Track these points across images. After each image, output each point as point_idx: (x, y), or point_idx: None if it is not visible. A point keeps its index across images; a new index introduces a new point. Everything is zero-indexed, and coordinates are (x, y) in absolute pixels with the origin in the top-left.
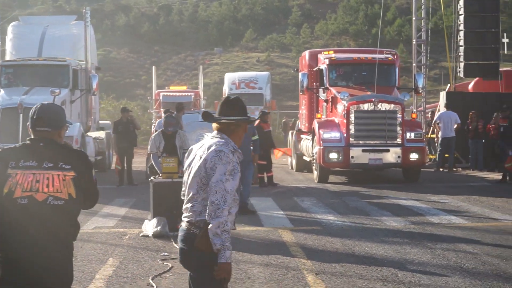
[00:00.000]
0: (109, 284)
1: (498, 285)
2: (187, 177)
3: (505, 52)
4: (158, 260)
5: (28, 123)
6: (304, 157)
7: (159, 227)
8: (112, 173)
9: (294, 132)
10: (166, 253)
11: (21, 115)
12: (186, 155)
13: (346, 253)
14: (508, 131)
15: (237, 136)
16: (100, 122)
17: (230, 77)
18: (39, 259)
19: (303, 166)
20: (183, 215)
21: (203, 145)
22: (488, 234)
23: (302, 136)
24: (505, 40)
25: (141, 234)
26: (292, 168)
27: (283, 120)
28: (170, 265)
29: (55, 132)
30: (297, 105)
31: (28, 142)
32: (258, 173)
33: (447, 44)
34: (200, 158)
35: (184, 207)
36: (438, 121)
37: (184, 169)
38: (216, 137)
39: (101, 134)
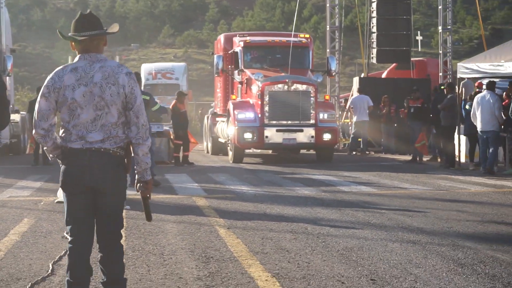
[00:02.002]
0: (24, 237)
1: (403, 235)
2: (85, 109)
3: (419, 49)
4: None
5: None
6: (220, 139)
7: None
8: (27, 156)
9: (210, 116)
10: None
11: None
12: (52, 88)
13: (258, 213)
14: (417, 112)
15: (102, 51)
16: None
17: (146, 68)
18: None
19: (219, 150)
20: (97, 144)
21: (88, 73)
22: (396, 199)
23: (217, 119)
24: (419, 37)
25: (56, 201)
26: (207, 152)
27: (199, 111)
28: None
29: None
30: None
31: None
32: (174, 153)
33: (360, 29)
34: (107, 85)
35: (91, 136)
36: (351, 106)
37: (70, 102)
38: (98, 60)
39: (16, 117)
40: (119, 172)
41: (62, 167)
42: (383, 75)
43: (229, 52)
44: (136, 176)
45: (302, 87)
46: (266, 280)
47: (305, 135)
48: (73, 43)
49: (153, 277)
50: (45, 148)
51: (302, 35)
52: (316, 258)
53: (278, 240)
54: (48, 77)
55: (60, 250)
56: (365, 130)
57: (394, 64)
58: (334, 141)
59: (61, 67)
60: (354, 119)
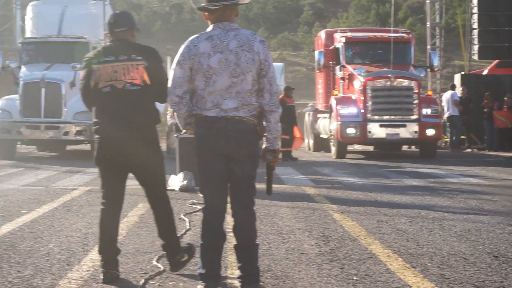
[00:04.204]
0: (142, 219)
1: None
2: (220, 76)
3: None
4: (187, 204)
5: (105, 32)
6: (322, 135)
7: (185, 181)
8: None
9: (311, 113)
10: (194, 200)
11: (43, 89)
12: (188, 55)
13: (369, 200)
14: None
15: (234, 21)
16: None
17: None
18: (127, 138)
19: (321, 146)
20: (232, 112)
21: (223, 40)
22: (508, 189)
23: (318, 115)
24: None
25: (167, 189)
26: (309, 149)
27: (298, 111)
28: (199, 207)
29: (128, 31)
30: (311, 104)
31: (108, 43)
32: (281, 147)
33: (461, 28)
34: (242, 52)
35: (226, 103)
36: (443, 103)
37: (205, 69)
38: (232, 28)
39: None
40: (253, 139)
41: (197, 135)
42: (484, 73)
43: (330, 48)
44: (265, 144)
45: (405, 82)
46: (388, 256)
47: (408, 130)
48: (205, 13)
49: (276, 252)
50: (178, 115)
51: (403, 30)
52: (434, 238)
53: (394, 223)
54: (183, 46)
55: (180, 230)
56: (456, 125)
57: (494, 62)
58: (437, 137)
59: (195, 35)
60: (445, 115)
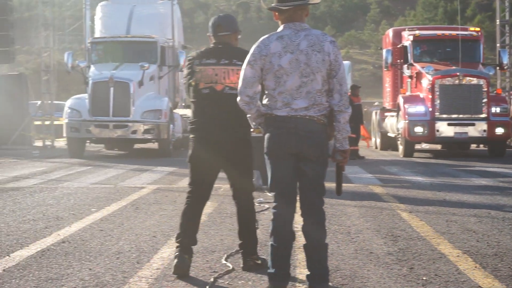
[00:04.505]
0: (211, 217)
1: None
2: (290, 76)
3: None
4: (256, 203)
5: (208, 33)
6: (389, 134)
7: (253, 180)
8: None
9: (378, 111)
10: (262, 199)
11: (111, 88)
12: (259, 55)
13: (438, 200)
14: None
15: (305, 21)
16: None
17: None
18: (221, 139)
19: (388, 145)
20: (302, 112)
21: (294, 41)
22: None
23: (386, 114)
24: None
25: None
26: (376, 147)
27: (364, 109)
28: (267, 206)
29: (232, 35)
30: (377, 102)
31: (211, 46)
32: (350, 146)
33: None
34: (312, 52)
35: (297, 102)
36: None
37: (276, 69)
38: (303, 28)
39: (188, 112)
40: (323, 139)
41: (267, 134)
42: None
43: (398, 46)
44: (335, 144)
45: (474, 81)
46: (458, 256)
47: (477, 129)
48: (276, 14)
49: (344, 252)
50: (248, 115)
51: (472, 28)
52: (505, 238)
53: (463, 223)
54: (254, 46)
55: None
56: None
57: None
58: (507, 135)
59: (266, 36)
60: None
